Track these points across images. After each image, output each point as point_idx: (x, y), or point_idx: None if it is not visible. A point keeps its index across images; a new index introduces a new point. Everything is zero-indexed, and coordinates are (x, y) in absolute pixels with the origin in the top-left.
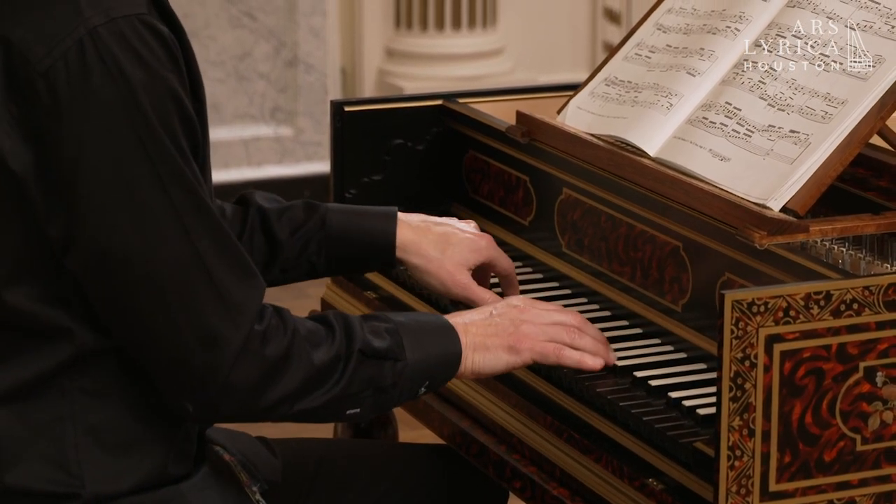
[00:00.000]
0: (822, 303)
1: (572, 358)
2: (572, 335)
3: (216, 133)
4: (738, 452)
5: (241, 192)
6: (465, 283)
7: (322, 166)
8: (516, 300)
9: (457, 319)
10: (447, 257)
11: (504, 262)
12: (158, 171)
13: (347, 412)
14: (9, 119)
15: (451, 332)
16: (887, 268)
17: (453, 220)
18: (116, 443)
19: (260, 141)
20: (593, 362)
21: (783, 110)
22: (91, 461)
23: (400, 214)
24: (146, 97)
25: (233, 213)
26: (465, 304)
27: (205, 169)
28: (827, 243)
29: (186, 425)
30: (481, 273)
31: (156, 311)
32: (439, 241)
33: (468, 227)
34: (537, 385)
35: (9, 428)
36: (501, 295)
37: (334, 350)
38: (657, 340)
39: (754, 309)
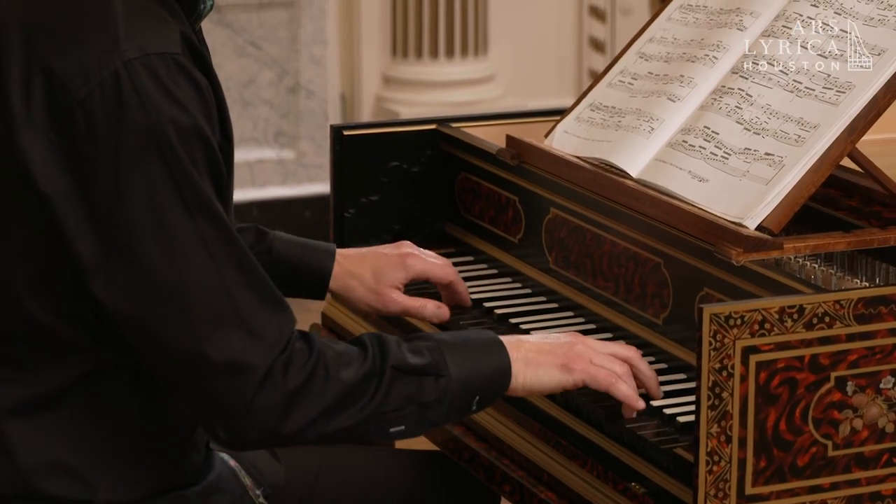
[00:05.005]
0: (795, 316)
1: (622, 391)
2: (624, 369)
3: None
4: (716, 458)
5: None
6: (392, 300)
7: (322, 187)
8: (572, 333)
9: (510, 337)
10: (378, 284)
11: (437, 271)
12: (186, 200)
13: (391, 430)
14: (47, 145)
15: (498, 347)
16: (857, 283)
17: (385, 247)
18: (130, 454)
19: (264, 163)
20: (636, 403)
21: (759, 134)
22: (105, 471)
23: (338, 252)
24: (174, 132)
25: None
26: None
27: (227, 208)
28: (800, 260)
29: (195, 436)
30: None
31: (179, 336)
32: (370, 272)
33: (397, 249)
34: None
35: (26, 437)
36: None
37: (366, 368)
38: (639, 352)
39: (731, 322)
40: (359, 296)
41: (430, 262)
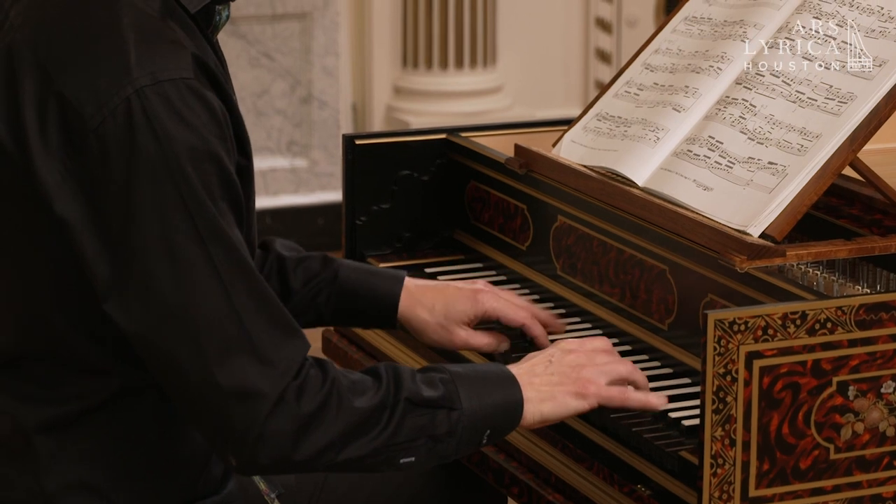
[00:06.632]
0: (798, 322)
1: (638, 399)
2: (629, 367)
3: None
4: (720, 461)
5: (263, 238)
6: (463, 337)
7: (335, 195)
8: (568, 344)
9: (518, 370)
10: (447, 317)
11: (509, 311)
12: (198, 227)
13: (401, 461)
14: (62, 170)
15: (511, 382)
16: (858, 290)
17: (458, 282)
18: (152, 470)
19: (277, 172)
20: (657, 401)
21: (762, 143)
22: (126, 487)
23: (406, 280)
24: (188, 158)
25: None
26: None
27: (251, 227)
28: (802, 267)
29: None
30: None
31: (190, 362)
32: (440, 304)
33: (471, 285)
34: None
35: (50, 454)
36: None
37: (378, 398)
38: (645, 357)
39: (735, 328)
40: (424, 328)
41: (503, 302)
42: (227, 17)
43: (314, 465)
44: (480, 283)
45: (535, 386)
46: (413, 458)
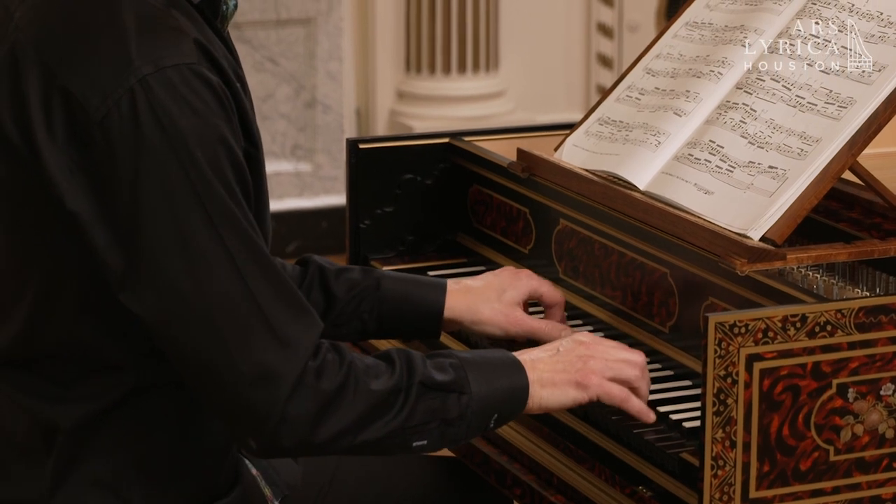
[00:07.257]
0: (798, 325)
1: (635, 406)
2: (636, 373)
3: None
4: (720, 462)
5: (302, 256)
6: (521, 319)
7: (338, 199)
8: (582, 336)
9: (524, 356)
10: (503, 304)
11: (549, 290)
12: (209, 213)
13: (414, 444)
14: (69, 165)
15: (517, 367)
16: (858, 293)
17: (490, 272)
18: (166, 468)
19: (281, 176)
20: (648, 417)
21: (762, 148)
22: (140, 485)
23: (449, 283)
24: (196, 143)
25: (293, 271)
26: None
27: (262, 213)
28: (802, 270)
29: (230, 450)
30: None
31: (210, 348)
32: (493, 292)
33: (505, 270)
34: None
35: (67, 452)
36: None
37: (393, 381)
38: (646, 359)
39: (736, 330)
40: (487, 317)
41: (543, 281)
42: (235, 5)
43: (333, 447)
44: (510, 268)
45: (538, 371)
46: (425, 442)
